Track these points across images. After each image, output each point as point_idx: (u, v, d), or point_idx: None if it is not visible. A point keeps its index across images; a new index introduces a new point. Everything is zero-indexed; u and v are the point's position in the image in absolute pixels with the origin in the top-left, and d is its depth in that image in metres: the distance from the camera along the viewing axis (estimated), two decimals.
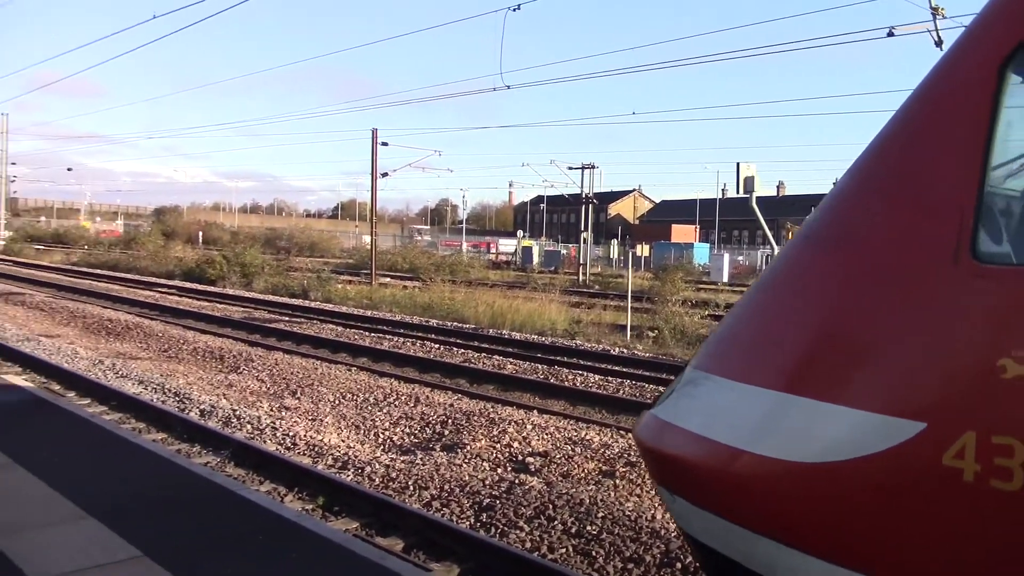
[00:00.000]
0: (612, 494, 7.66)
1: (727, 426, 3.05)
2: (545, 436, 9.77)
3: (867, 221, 2.97)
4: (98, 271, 40.14)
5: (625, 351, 17.55)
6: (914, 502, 2.52)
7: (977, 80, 2.74)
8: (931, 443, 2.46)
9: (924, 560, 2.51)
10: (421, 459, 8.94)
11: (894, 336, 2.69)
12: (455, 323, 21.75)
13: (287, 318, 22.75)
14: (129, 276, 37.13)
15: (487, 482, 7.93)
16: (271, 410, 11.58)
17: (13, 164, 76.33)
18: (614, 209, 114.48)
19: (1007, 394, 2.33)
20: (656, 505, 7.27)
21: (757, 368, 3.08)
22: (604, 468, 8.56)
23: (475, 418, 10.64)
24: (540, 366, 15.55)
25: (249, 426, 10.44)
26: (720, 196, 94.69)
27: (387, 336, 19.51)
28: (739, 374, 3.12)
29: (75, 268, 42.48)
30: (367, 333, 19.96)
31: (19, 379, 11.49)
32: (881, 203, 2.95)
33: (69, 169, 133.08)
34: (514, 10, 21.45)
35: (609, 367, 15.19)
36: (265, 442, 9.73)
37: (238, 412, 11.10)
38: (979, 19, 2.84)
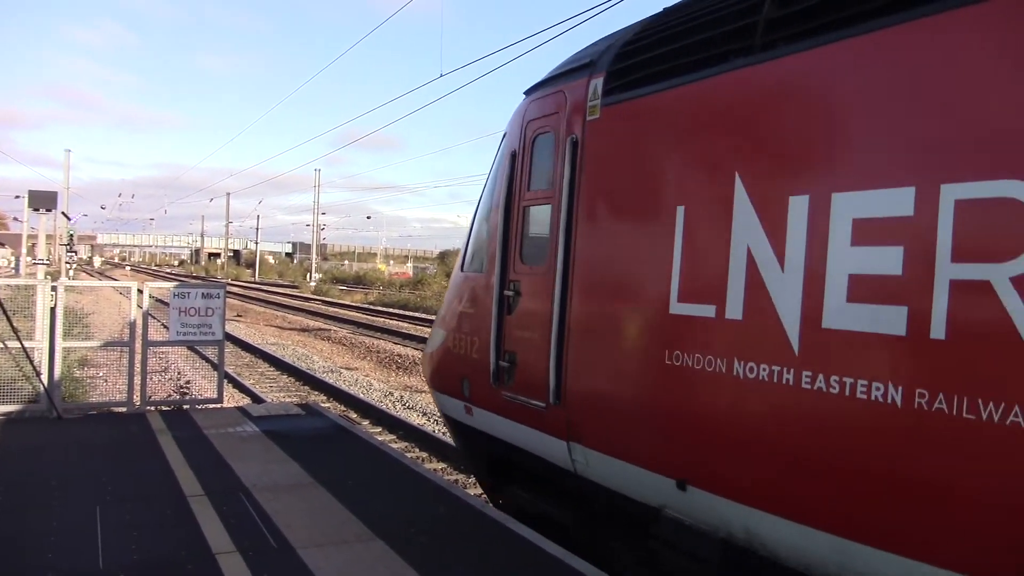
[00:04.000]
0: None
1: (430, 345, 8.54)
2: None
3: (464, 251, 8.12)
4: (391, 309, 43.92)
5: None
6: (448, 358, 7.90)
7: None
8: (450, 338, 7.84)
9: (446, 380, 7.99)
10: None
11: (452, 301, 8.06)
12: None
13: None
14: (416, 314, 40.21)
15: None
16: None
17: (323, 214, 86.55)
18: None
19: (464, 317, 7.65)
20: None
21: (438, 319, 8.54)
22: None
23: None
24: None
25: None
26: None
27: None
28: (436, 324, 8.52)
29: (371, 307, 46.86)
30: None
31: (324, 407, 12.82)
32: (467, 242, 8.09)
33: (368, 217, 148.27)
34: None
35: None
36: None
37: None
38: None
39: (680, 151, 5.19)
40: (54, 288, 10.24)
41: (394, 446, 11.78)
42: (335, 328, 31.50)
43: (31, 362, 10.03)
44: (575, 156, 6.01)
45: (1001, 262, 3.36)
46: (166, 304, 11.55)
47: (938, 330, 3.56)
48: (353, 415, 14.26)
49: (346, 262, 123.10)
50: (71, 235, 45.70)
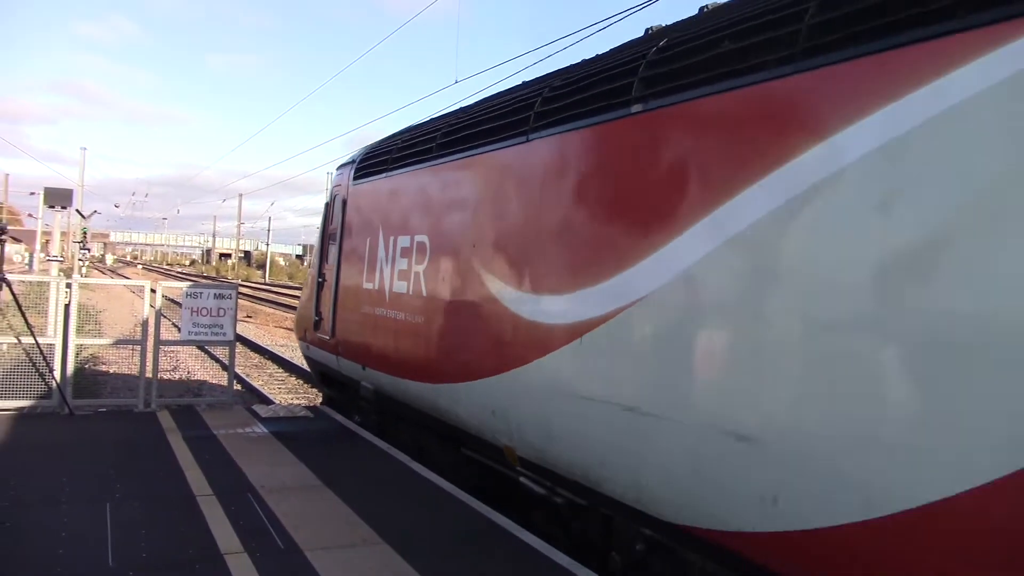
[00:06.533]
0: None
1: (297, 314, 14.50)
2: None
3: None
4: None
5: None
6: (301, 318, 13.34)
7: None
8: (303, 307, 13.43)
9: (300, 331, 13.40)
10: None
11: (306, 286, 13.78)
12: None
13: None
14: None
15: None
16: None
17: None
18: None
19: (307, 295, 13.04)
20: None
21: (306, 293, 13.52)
22: None
23: None
24: None
25: None
26: None
27: None
28: (300, 300, 14.20)
29: None
30: None
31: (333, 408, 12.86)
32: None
33: None
34: None
35: None
36: None
37: None
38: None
39: (370, 213, 10.25)
40: (68, 285, 10.33)
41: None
42: None
43: (44, 358, 10.12)
44: (344, 210, 11.25)
45: (420, 265, 8.33)
46: (177, 304, 11.62)
47: (410, 290, 8.53)
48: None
49: None
50: (84, 232, 45.92)
